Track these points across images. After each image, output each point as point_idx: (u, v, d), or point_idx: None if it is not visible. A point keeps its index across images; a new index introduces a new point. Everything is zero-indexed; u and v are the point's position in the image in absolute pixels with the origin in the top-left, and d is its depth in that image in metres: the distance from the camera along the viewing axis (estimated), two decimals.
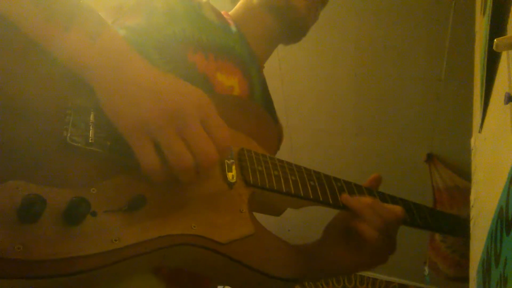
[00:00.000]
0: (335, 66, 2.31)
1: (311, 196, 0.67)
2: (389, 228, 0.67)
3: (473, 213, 0.90)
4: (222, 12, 0.91)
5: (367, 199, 0.69)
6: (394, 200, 0.76)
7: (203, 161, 0.52)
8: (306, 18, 0.90)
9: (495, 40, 0.47)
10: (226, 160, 0.61)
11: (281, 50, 1.03)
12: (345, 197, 0.70)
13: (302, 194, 0.66)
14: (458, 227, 0.81)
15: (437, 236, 2.61)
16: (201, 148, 0.51)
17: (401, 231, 0.73)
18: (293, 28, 0.91)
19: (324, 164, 2.81)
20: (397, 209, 0.69)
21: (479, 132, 0.88)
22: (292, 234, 3.30)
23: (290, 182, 0.66)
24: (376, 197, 0.73)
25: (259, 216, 0.70)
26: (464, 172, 2.42)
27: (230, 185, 0.60)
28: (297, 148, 2.76)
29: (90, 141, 0.50)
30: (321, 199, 0.67)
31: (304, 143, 2.75)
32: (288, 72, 2.38)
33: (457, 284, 2.65)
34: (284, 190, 0.65)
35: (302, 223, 2.96)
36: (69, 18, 0.51)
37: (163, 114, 0.50)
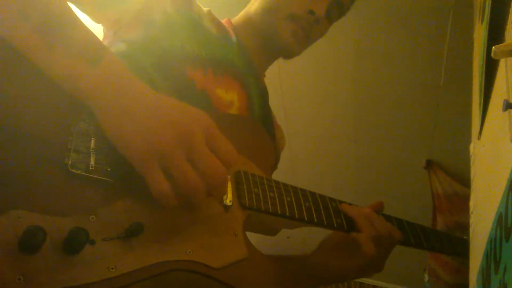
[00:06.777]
0: (334, 72, 2.32)
1: (306, 218, 0.69)
2: (381, 242, 0.70)
3: (472, 219, 0.90)
4: (224, 20, 0.90)
5: (365, 210, 0.73)
6: (388, 218, 0.79)
7: (213, 181, 0.52)
8: (292, 44, 0.86)
9: (493, 47, 0.47)
10: None
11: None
12: (344, 206, 0.74)
13: (297, 216, 0.68)
14: (453, 246, 0.84)
15: None
16: (209, 168, 0.51)
17: None
18: (282, 53, 0.91)
19: (323, 170, 2.81)
20: (395, 230, 0.73)
21: (478, 138, 0.88)
22: (291, 240, 3.29)
23: (286, 204, 0.67)
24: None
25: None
26: (463, 179, 2.41)
27: (226, 208, 0.61)
28: (296, 154, 2.76)
29: (90, 168, 0.51)
30: (315, 220, 0.69)
31: (303, 149, 2.75)
32: (287, 78, 2.39)
33: None
34: (279, 212, 0.65)
35: (301, 230, 2.94)
36: (70, 44, 0.50)
37: (171, 139, 0.50)
